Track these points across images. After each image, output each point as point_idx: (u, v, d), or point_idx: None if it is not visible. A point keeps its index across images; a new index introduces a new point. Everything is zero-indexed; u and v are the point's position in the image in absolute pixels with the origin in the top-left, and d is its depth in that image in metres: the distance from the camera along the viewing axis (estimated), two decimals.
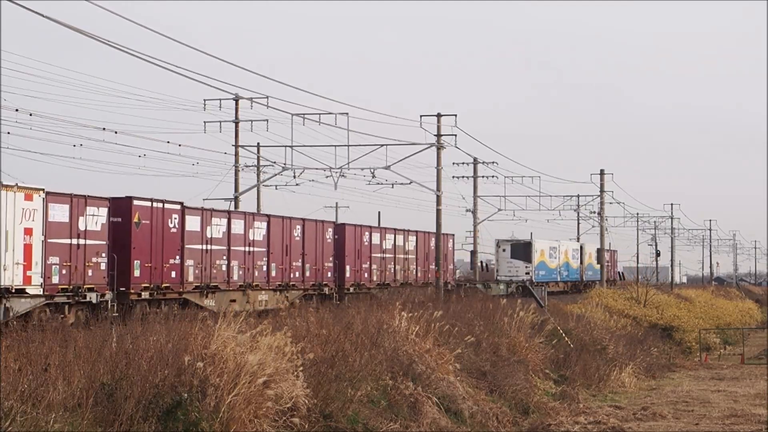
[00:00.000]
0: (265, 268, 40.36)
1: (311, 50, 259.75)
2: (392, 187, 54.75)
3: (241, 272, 38.72)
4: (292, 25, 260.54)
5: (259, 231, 40.43)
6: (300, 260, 43.16)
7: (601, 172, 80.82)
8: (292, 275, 42.54)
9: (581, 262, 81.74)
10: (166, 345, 17.44)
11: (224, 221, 38.00)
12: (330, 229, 46.60)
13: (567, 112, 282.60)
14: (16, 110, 38.93)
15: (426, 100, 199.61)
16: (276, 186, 55.46)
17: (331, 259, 45.88)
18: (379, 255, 51.04)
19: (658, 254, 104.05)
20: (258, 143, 55.65)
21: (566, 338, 40.55)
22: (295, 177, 52.87)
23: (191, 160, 56.81)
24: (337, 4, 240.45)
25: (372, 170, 51.46)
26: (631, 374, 39.99)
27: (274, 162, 53.35)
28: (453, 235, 61.95)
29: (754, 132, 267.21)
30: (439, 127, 51.51)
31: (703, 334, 60.78)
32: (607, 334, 46.86)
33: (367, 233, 50.31)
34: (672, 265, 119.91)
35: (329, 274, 45.74)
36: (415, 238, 55.85)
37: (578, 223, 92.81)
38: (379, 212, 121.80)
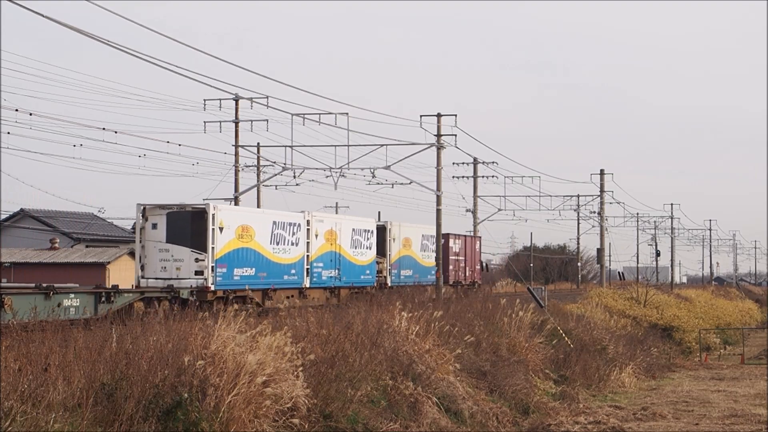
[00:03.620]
0: None
1: (311, 50, 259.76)
2: (392, 187, 54.89)
3: None
4: (292, 25, 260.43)
5: None
6: None
7: (601, 172, 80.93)
8: None
9: (384, 254, 53.13)
10: (166, 345, 17.45)
11: None
12: None
13: (567, 112, 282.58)
14: (16, 110, 39.10)
15: (426, 101, 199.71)
16: (276, 186, 55.57)
17: None
18: None
19: (658, 254, 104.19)
20: (258, 143, 55.77)
21: (566, 338, 40.55)
22: (295, 177, 52.96)
23: (191, 160, 57.14)
24: (337, 4, 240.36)
25: (372, 170, 51.53)
26: (631, 374, 39.99)
27: (274, 162, 53.44)
28: None
29: (754, 132, 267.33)
30: (439, 127, 51.54)
31: (703, 334, 60.79)
32: (607, 334, 46.85)
33: None
34: (672, 265, 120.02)
35: None
36: None
37: (578, 223, 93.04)
38: (379, 212, 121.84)
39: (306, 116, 48.27)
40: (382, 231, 52.64)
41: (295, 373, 18.62)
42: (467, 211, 70.08)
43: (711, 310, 78.41)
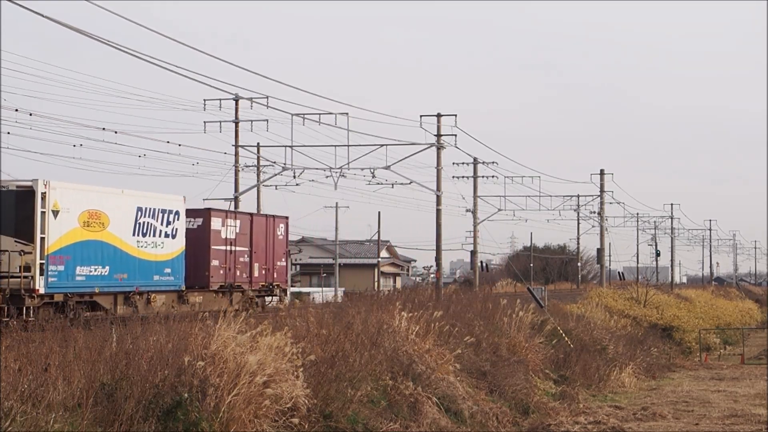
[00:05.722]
0: None
1: (312, 50, 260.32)
2: (392, 187, 54.69)
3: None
4: (292, 25, 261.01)
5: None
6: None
7: (601, 172, 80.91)
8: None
9: (32, 239, 28.60)
10: (166, 345, 17.43)
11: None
12: None
13: (567, 113, 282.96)
14: (16, 110, 39.05)
15: (426, 101, 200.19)
16: (276, 186, 55.41)
17: None
18: None
19: (658, 254, 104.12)
20: (258, 143, 55.70)
21: (566, 338, 40.54)
22: (295, 177, 52.84)
23: (191, 160, 57.05)
24: (337, 5, 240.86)
25: (372, 170, 51.45)
26: (631, 374, 39.97)
27: (274, 162, 53.38)
28: None
29: (754, 132, 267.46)
30: (439, 127, 51.53)
31: (703, 334, 60.78)
32: (607, 334, 46.85)
33: None
34: (672, 265, 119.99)
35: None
36: None
37: (578, 223, 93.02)
38: (379, 212, 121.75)
39: (306, 116, 48.24)
40: (25, 197, 28.65)
41: (295, 373, 18.62)
42: (467, 211, 69.98)
43: (711, 310, 78.40)
